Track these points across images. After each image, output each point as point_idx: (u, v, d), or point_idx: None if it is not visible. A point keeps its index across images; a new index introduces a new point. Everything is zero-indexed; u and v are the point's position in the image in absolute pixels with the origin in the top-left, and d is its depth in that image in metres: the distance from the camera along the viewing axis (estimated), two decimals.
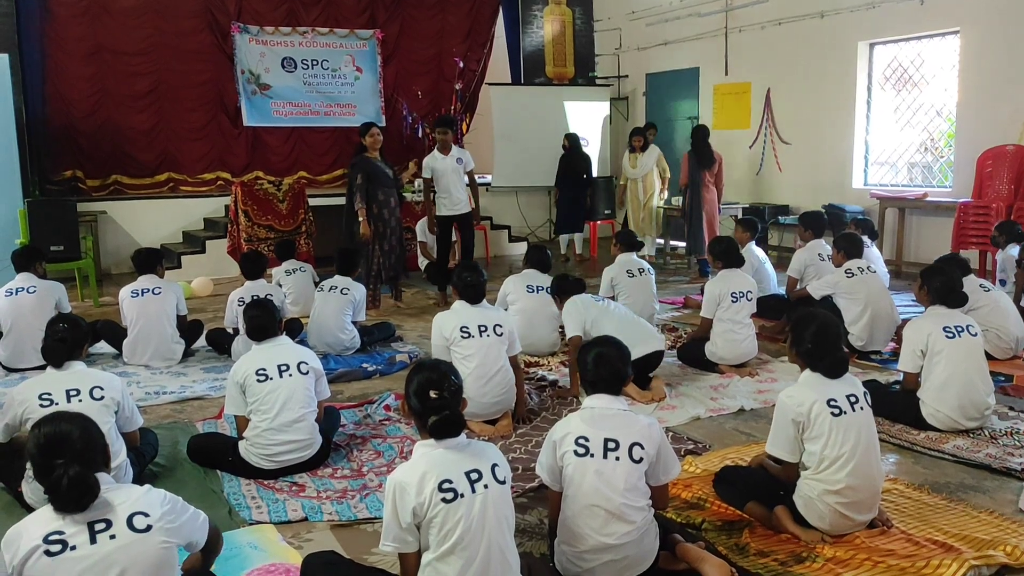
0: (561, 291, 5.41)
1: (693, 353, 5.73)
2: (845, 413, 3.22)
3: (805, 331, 3.37)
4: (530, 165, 11.61)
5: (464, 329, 4.53)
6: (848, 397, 3.26)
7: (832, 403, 3.22)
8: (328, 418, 4.37)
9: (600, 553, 2.86)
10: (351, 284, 6.34)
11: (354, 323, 6.35)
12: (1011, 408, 4.67)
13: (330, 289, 6.30)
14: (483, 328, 4.54)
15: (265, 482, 3.95)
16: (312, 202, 9.83)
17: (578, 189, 10.45)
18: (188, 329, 6.35)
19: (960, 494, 3.66)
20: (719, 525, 3.41)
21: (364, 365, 5.92)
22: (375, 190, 7.66)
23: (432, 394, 2.68)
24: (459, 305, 4.71)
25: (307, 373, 4.10)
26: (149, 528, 2.29)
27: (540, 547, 3.26)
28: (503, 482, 2.68)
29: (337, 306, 6.23)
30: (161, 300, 6.05)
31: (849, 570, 3.04)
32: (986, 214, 7.85)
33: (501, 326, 4.61)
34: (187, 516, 2.47)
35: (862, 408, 3.27)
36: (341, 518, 3.58)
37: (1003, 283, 6.40)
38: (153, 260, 6.23)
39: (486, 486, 2.60)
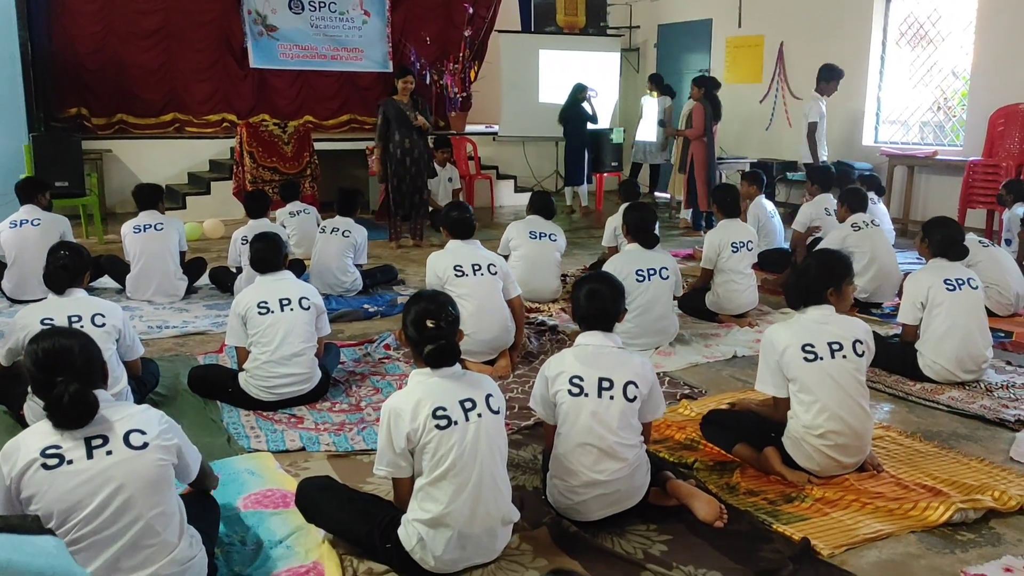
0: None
1: (693, 303, 5.73)
2: (820, 359, 3.22)
3: (807, 272, 3.38)
4: (538, 115, 11.50)
5: (457, 268, 4.54)
6: (830, 344, 3.24)
7: (807, 347, 3.23)
8: (328, 354, 4.41)
9: (591, 488, 2.90)
10: (352, 226, 6.34)
11: (357, 266, 6.37)
12: (1008, 363, 4.69)
13: (331, 231, 6.29)
14: (476, 267, 4.55)
15: (264, 413, 4.00)
16: (318, 147, 9.79)
17: (585, 141, 10.37)
18: (191, 266, 6.38)
19: (952, 443, 3.69)
20: (711, 465, 3.45)
21: (365, 306, 5.94)
22: (395, 132, 7.86)
23: (429, 324, 2.70)
24: (451, 244, 4.72)
25: (308, 308, 4.12)
26: (146, 445, 2.32)
27: (533, 481, 3.30)
28: (497, 412, 2.71)
29: (339, 248, 6.24)
30: (163, 236, 6.06)
31: (837, 510, 3.08)
32: (995, 173, 7.79)
33: (495, 265, 4.62)
34: (184, 440, 2.50)
35: (844, 357, 3.24)
36: (338, 449, 3.63)
37: (1008, 242, 6.37)
38: (155, 195, 6.23)
39: (480, 415, 2.63)
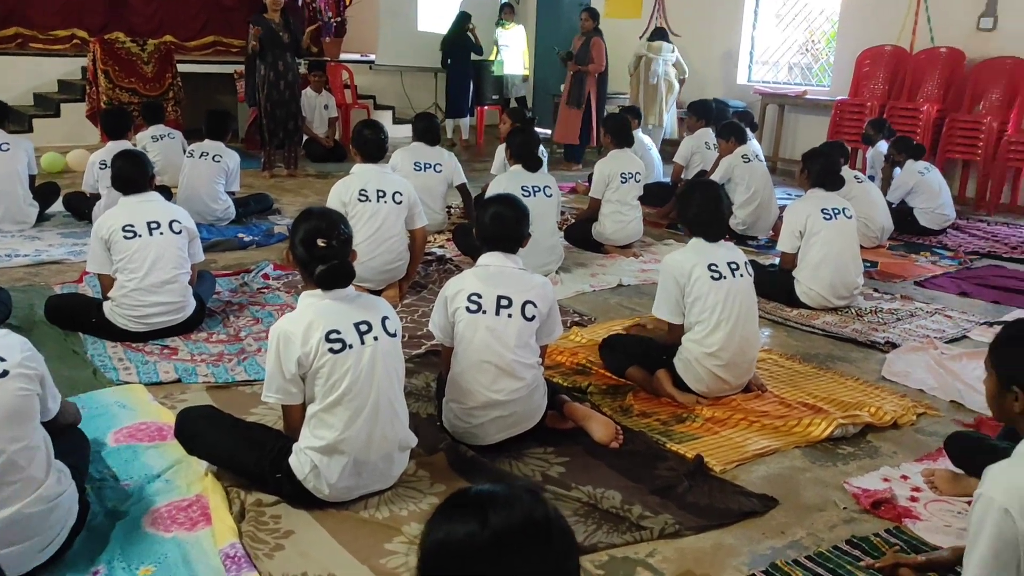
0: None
1: (580, 234, 5.73)
2: (724, 278, 3.28)
3: (691, 198, 3.40)
4: (417, 44, 11.13)
5: (363, 192, 4.35)
6: (729, 264, 3.32)
7: (712, 267, 3.28)
8: (202, 282, 4.14)
9: (489, 409, 2.84)
10: (223, 150, 5.97)
11: (229, 193, 6.02)
12: (875, 290, 4.92)
13: (200, 155, 5.90)
14: (381, 193, 4.37)
15: (133, 345, 3.73)
16: (181, 68, 9.15)
17: (468, 73, 10.12)
18: (42, 192, 5.86)
19: (829, 364, 3.84)
20: (604, 389, 3.46)
21: (240, 235, 5.64)
22: (267, 53, 7.40)
23: (320, 242, 2.53)
24: (358, 168, 4.50)
25: (180, 232, 3.84)
26: (6, 373, 2.09)
27: (427, 408, 3.22)
28: (394, 335, 2.59)
29: (208, 174, 5.87)
30: (10, 157, 5.52)
31: (726, 428, 3.15)
32: (860, 112, 8.11)
33: (401, 193, 4.44)
34: (48, 371, 2.26)
35: (742, 276, 3.34)
36: (217, 380, 3.43)
37: (872, 178, 6.65)
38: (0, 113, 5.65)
39: (376, 338, 2.51)
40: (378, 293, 4.44)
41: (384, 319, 2.57)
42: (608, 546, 2.42)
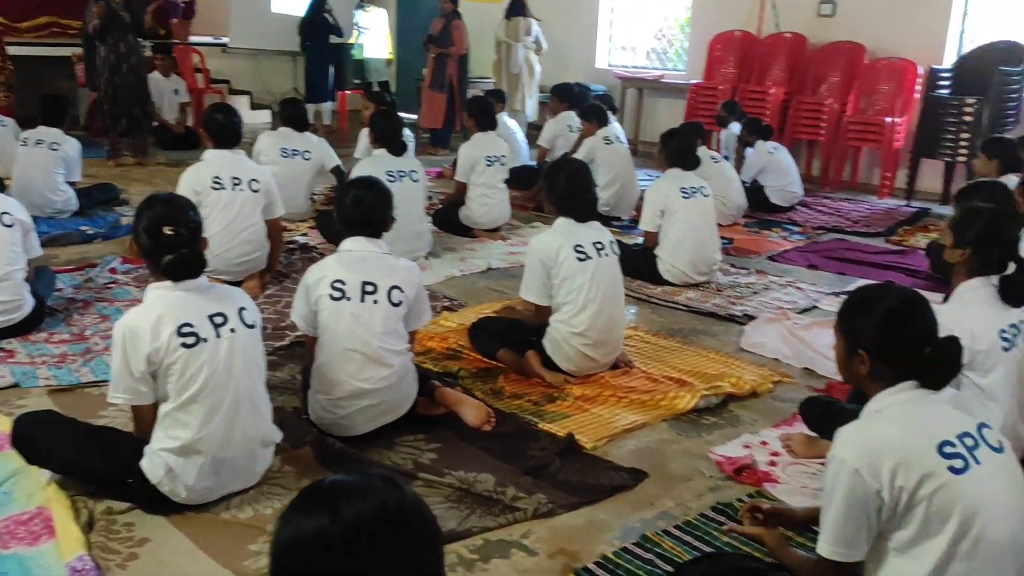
0: None
1: (447, 218, 5.68)
2: (591, 258, 3.31)
3: (558, 177, 3.41)
4: (272, 26, 10.72)
5: (216, 180, 4.14)
6: (595, 244, 3.36)
7: (579, 248, 3.31)
8: (41, 278, 3.85)
9: (357, 399, 2.76)
10: (62, 138, 5.57)
11: (69, 183, 5.62)
12: (732, 266, 5.11)
13: (36, 143, 5.49)
14: (236, 181, 4.17)
15: None
16: (12, 51, 8.47)
17: (327, 55, 9.84)
18: None
19: (692, 338, 3.96)
20: (475, 372, 3.44)
21: (82, 228, 5.28)
22: (107, 35, 6.97)
23: (167, 230, 2.38)
24: (210, 154, 4.27)
25: (12, 226, 3.55)
26: None
27: (292, 401, 3.10)
28: (252, 326, 2.47)
29: (45, 163, 5.47)
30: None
31: (596, 405, 3.19)
32: (714, 95, 8.40)
33: (257, 181, 4.25)
34: None
35: (607, 255, 3.39)
36: (61, 383, 3.19)
37: (726, 158, 6.89)
38: None
39: (232, 330, 2.39)
40: (237, 285, 4.25)
41: (241, 310, 2.45)
42: (482, 530, 2.40)
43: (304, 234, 5.46)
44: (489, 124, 5.72)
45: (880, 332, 1.88)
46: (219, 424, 2.35)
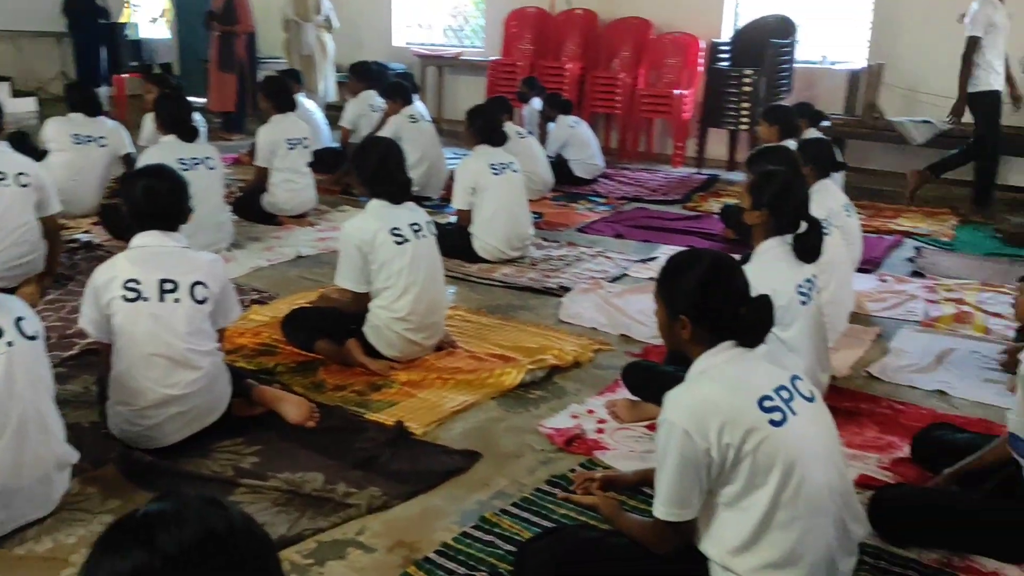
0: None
1: (249, 206, 5.38)
2: (408, 241, 3.24)
3: (369, 158, 3.30)
4: (30, 6, 9.72)
5: None
6: (412, 226, 3.29)
7: (396, 231, 3.22)
8: None
9: (164, 407, 2.54)
10: None
11: None
12: (544, 239, 5.19)
13: None
14: (1, 176, 3.71)
15: None
16: None
17: (97, 37, 9.05)
18: None
19: (511, 313, 3.97)
20: (293, 367, 3.28)
21: None
22: None
23: None
24: None
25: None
26: None
27: (89, 416, 2.81)
28: (33, 337, 2.20)
29: None
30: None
31: (422, 390, 3.13)
32: (513, 71, 8.50)
33: (26, 175, 3.80)
34: None
35: (425, 236, 3.33)
36: None
37: (530, 133, 6.99)
38: None
39: (10, 343, 2.12)
40: (12, 291, 3.82)
41: (19, 320, 2.17)
42: (315, 532, 2.28)
43: (87, 231, 4.99)
44: (288, 105, 5.46)
45: (697, 296, 1.93)
46: (5, 450, 2.08)
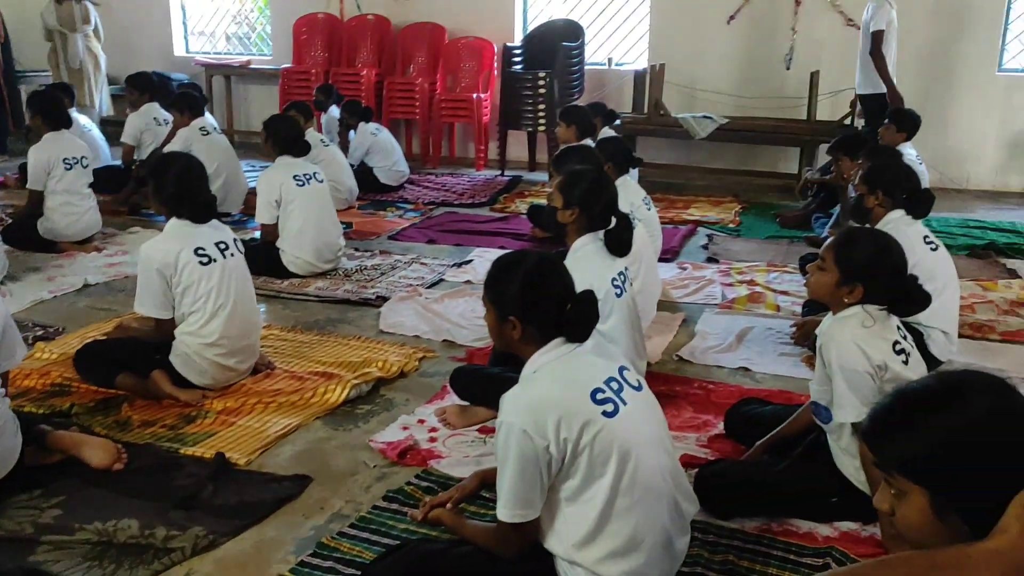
0: None
1: (24, 234, 4.90)
2: (216, 260, 3.07)
3: (166, 175, 3.08)
4: None
5: None
6: (218, 244, 3.11)
7: (200, 251, 3.04)
8: None
9: None
10: None
11: None
12: (356, 249, 5.08)
13: None
14: None
15: None
16: None
17: None
18: None
19: (329, 328, 3.86)
20: (92, 406, 3.01)
21: None
22: None
23: None
24: None
25: None
26: None
27: None
28: None
29: None
30: None
31: (242, 417, 2.97)
32: (307, 79, 8.27)
33: None
34: None
35: (233, 255, 3.16)
36: None
37: (333, 141, 6.83)
38: None
39: None
40: None
41: None
42: None
43: None
44: (62, 122, 5.00)
45: (525, 296, 1.95)
46: None
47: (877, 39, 5.91)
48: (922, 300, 2.34)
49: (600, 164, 3.66)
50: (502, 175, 7.56)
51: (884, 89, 5.98)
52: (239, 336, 3.12)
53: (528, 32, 8.06)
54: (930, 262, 3.21)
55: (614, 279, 2.83)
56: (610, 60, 8.04)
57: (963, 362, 3.37)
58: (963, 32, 6.91)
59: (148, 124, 6.32)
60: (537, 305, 1.95)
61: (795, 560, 2.23)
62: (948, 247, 3.50)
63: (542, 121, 7.34)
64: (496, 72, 7.95)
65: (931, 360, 3.04)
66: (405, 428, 2.91)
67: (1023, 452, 1.14)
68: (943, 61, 6.98)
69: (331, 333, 3.78)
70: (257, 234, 4.77)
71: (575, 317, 1.95)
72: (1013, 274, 4.77)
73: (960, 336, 3.48)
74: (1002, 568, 1.08)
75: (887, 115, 5.47)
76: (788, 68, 7.28)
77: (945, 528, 1.18)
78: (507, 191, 6.90)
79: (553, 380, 1.89)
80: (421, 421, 2.96)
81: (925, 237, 3.34)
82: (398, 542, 2.22)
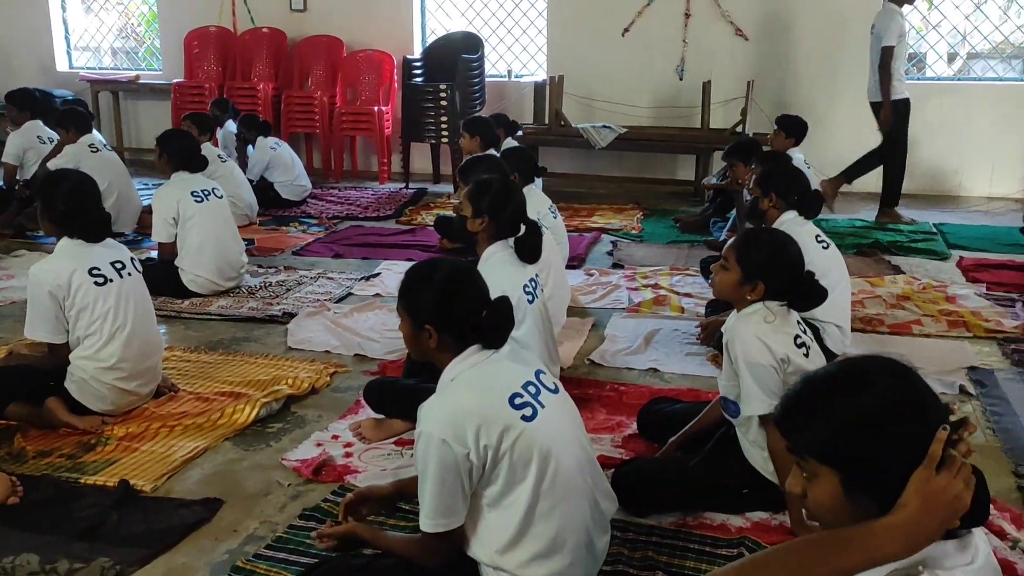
0: None
1: None
2: (111, 281, 2.95)
3: (56, 193, 2.95)
4: None
5: None
6: (114, 264, 2.99)
7: (95, 271, 2.91)
8: None
9: None
10: None
11: None
12: (259, 266, 4.97)
13: None
14: None
15: None
16: None
17: None
18: None
19: (235, 347, 3.76)
20: None
21: None
22: None
23: None
24: None
25: None
26: None
27: None
28: None
29: None
30: None
31: (146, 442, 2.86)
32: (200, 94, 8.05)
33: None
34: None
35: (130, 274, 3.05)
36: None
37: (230, 156, 6.66)
38: None
39: None
40: None
41: None
42: None
43: None
44: None
45: (440, 305, 1.95)
46: None
47: (887, 55, 5.93)
48: (819, 295, 2.44)
49: (506, 173, 3.69)
50: (407, 187, 7.53)
51: (897, 97, 6.03)
52: (139, 359, 3.00)
53: (427, 45, 8.07)
54: (822, 260, 3.34)
55: (526, 286, 2.85)
56: (510, 72, 8.13)
57: (857, 353, 3.53)
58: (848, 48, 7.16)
59: (31, 143, 6.02)
60: (452, 313, 1.95)
61: (711, 552, 2.29)
62: (837, 246, 3.66)
63: (445, 133, 7.35)
64: (397, 85, 7.92)
65: (827, 353, 3.16)
66: (319, 444, 2.86)
67: (923, 431, 1.20)
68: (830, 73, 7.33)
69: (237, 352, 3.68)
70: (154, 253, 4.61)
71: (491, 323, 1.96)
72: (897, 270, 5.04)
73: (852, 330, 3.65)
74: (903, 539, 1.16)
75: (776, 121, 5.70)
76: (681, 79, 7.52)
77: (854, 508, 1.24)
78: (413, 203, 6.87)
79: (471, 388, 1.90)
80: (335, 437, 2.91)
81: (817, 236, 3.50)
82: (316, 560, 2.17)
